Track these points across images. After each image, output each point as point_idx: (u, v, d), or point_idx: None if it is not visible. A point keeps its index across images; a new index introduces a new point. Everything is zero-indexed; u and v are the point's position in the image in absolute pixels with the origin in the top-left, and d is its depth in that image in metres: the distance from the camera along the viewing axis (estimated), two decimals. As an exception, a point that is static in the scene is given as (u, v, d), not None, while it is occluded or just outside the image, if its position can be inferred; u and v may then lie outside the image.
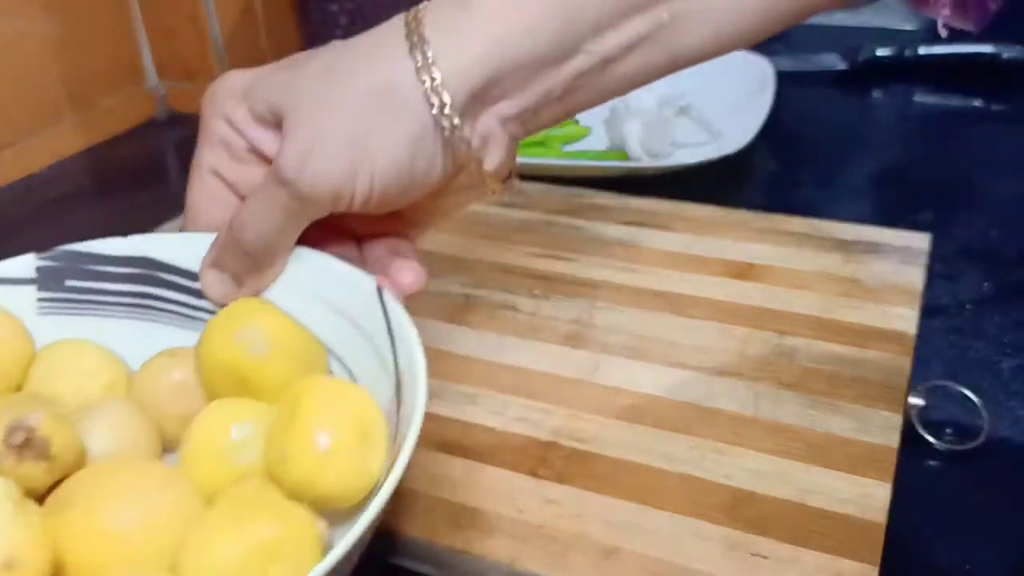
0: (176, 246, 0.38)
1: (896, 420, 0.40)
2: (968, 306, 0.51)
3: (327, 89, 0.33)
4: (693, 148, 0.68)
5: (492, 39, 0.33)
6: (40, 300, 0.38)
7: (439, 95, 0.32)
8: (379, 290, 0.34)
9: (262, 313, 0.35)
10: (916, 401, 0.41)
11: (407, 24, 0.33)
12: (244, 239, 0.35)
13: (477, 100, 0.33)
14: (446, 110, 0.32)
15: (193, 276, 0.38)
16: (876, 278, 0.50)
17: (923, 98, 0.81)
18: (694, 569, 0.33)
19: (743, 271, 0.52)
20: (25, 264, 0.38)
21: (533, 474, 0.38)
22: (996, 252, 0.56)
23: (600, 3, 0.33)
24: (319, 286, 0.36)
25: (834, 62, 0.86)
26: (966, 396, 0.42)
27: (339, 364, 0.36)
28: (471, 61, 0.32)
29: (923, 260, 0.51)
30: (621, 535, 0.35)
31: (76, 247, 0.39)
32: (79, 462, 0.31)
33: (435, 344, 0.47)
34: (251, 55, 0.85)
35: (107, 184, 0.75)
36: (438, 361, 0.45)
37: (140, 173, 0.76)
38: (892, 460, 0.38)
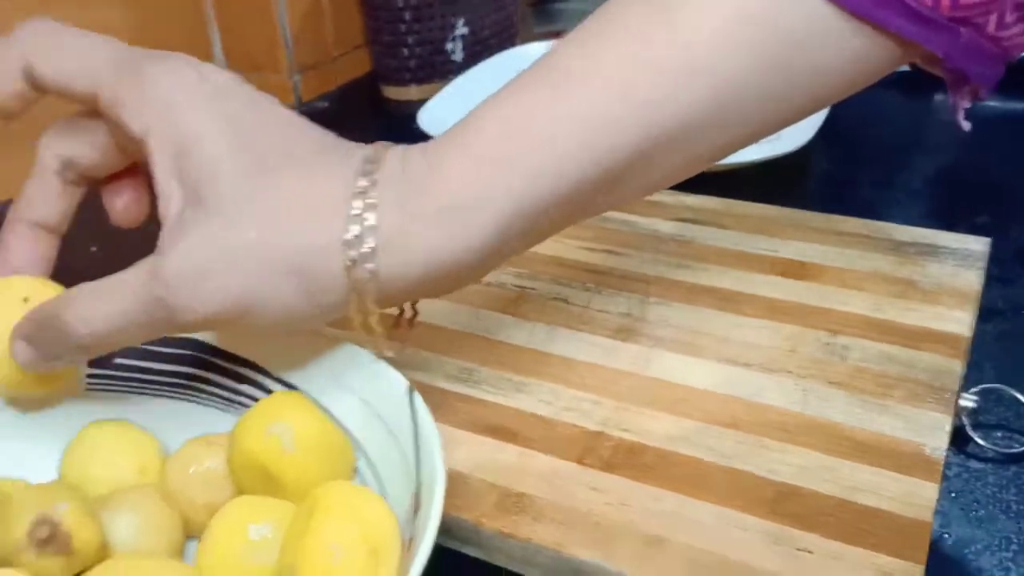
0: (224, 331, 0.39)
1: (945, 421, 0.40)
2: (1024, 311, 0.50)
3: (253, 203, 0.31)
4: (749, 147, 0.68)
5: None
6: (89, 376, 0.39)
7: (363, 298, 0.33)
8: (410, 392, 0.35)
9: (295, 410, 0.35)
10: (967, 403, 0.41)
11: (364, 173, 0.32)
12: (77, 333, 0.32)
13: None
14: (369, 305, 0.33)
15: (239, 361, 0.39)
16: (932, 280, 0.50)
17: (984, 102, 0.80)
18: (738, 561, 0.34)
19: (796, 270, 0.52)
20: None
21: (580, 462, 0.39)
22: (1055, 257, 0.55)
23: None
24: (353, 380, 0.37)
25: (897, 63, 0.85)
26: (1018, 400, 0.42)
27: (366, 461, 0.36)
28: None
29: (981, 264, 0.51)
30: (665, 524, 0.35)
31: None
32: (99, 556, 0.31)
33: (488, 334, 0.47)
34: (316, 48, 0.87)
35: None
36: (490, 350, 0.46)
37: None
38: (940, 460, 0.38)
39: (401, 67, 0.86)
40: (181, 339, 0.40)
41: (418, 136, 0.75)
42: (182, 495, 0.35)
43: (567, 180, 0.33)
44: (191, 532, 0.35)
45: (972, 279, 0.50)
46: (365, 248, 0.31)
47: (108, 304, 0.32)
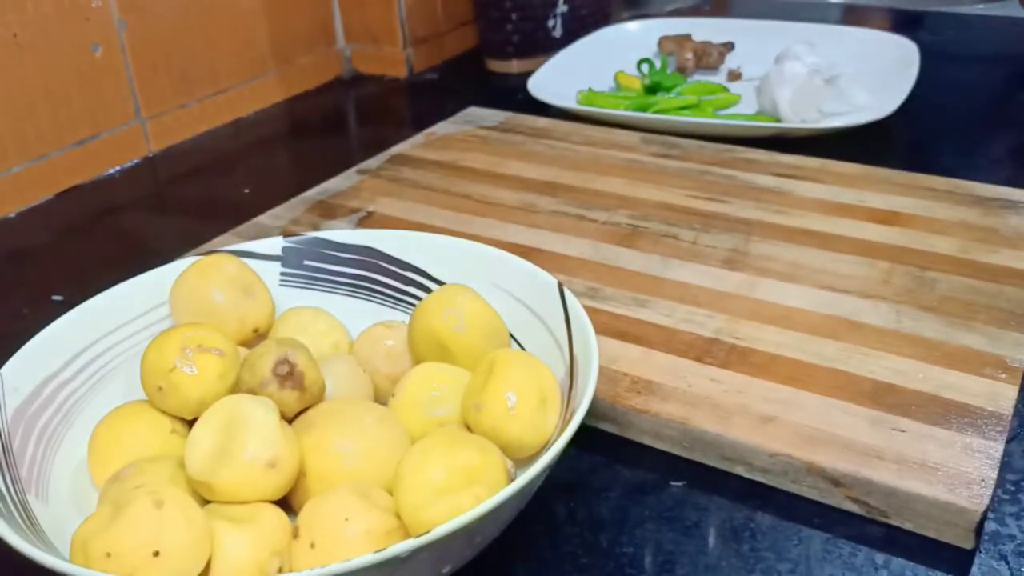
0: (395, 241, 0.46)
1: (1026, 338, 0.45)
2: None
3: None
4: (838, 116, 0.73)
5: None
6: (282, 274, 0.47)
7: None
8: (560, 287, 0.41)
9: (465, 297, 0.41)
10: (1046, 327, 0.46)
11: None
12: None
13: None
14: None
15: (406, 266, 0.46)
16: (1013, 229, 0.54)
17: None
18: (842, 436, 0.39)
19: (887, 218, 0.57)
20: (274, 244, 0.47)
21: (699, 360, 0.44)
22: None
23: None
24: (506, 281, 0.43)
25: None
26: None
27: (516, 344, 0.43)
28: None
29: (1059, 216, 0.55)
30: (777, 408, 0.41)
31: (316, 234, 0.47)
32: (321, 396, 0.38)
33: (606, 261, 0.53)
34: (428, 23, 0.93)
35: (299, 132, 0.84)
36: (610, 274, 0.52)
37: (326, 124, 0.85)
38: (1021, 369, 0.42)
39: (505, 42, 0.92)
40: (359, 246, 0.46)
41: (518, 104, 0.81)
42: (369, 365, 0.42)
43: None
44: (376, 397, 0.41)
45: (1051, 229, 0.54)
46: None
47: None
